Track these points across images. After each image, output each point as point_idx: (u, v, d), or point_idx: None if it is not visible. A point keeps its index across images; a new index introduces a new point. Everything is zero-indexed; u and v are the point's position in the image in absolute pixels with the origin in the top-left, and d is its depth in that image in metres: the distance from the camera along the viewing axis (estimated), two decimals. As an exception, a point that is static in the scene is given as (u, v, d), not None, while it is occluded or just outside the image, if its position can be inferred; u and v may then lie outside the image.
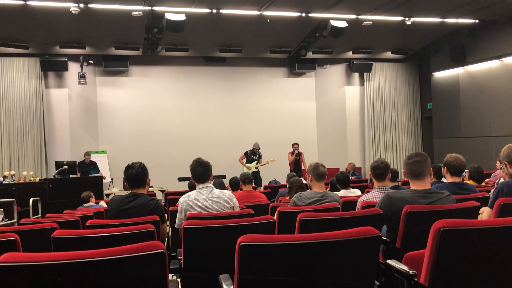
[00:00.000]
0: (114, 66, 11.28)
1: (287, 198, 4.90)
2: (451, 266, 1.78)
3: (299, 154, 10.44)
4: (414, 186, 2.74)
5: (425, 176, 2.72)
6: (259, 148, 10.53)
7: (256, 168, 10.39)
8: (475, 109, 11.00)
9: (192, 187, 5.51)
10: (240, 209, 3.43)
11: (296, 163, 10.34)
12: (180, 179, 9.56)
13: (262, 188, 8.98)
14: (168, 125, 11.98)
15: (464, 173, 4.99)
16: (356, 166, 11.72)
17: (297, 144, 10.45)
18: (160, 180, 10.23)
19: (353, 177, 10.22)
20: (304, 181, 5.60)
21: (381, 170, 3.42)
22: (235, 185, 5.55)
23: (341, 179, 5.30)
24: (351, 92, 12.94)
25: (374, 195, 3.41)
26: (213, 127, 12.26)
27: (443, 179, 4.99)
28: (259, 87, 12.74)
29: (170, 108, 12.02)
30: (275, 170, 11.07)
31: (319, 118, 13.17)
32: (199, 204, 3.24)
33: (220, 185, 5.48)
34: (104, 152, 11.39)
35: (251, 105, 12.60)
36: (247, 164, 10.35)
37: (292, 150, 10.48)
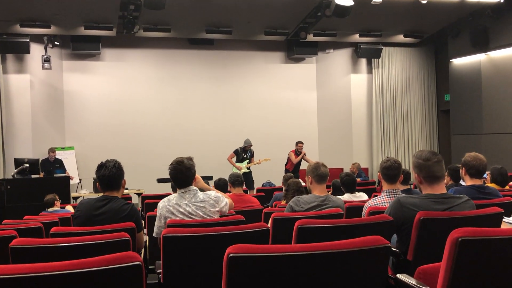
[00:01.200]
0: (83, 48, 11.28)
1: (283, 202, 4.97)
2: (471, 282, 1.80)
3: (299, 153, 10.61)
4: (429, 190, 2.77)
5: (443, 179, 2.78)
6: (251, 146, 10.57)
7: (248, 168, 10.45)
8: (499, 101, 11.06)
9: (174, 189, 5.58)
10: (229, 214, 3.48)
11: (298, 164, 10.47)
12: (160, 181, 9.61)
13: (254, 192, 9.05)
14: (146, 118, 12.01)
15: (485, 175, 5.12)
16: (362, 167, 11.77)
17: (302, 143, 10.53)
18: (136, 181, 10.26)
19: (358, 179, 10.24)
20: (303, 184, 5.62)
21: (394, 171, 3.45)
22: (222, 187, 5.58)
23: (346, 182, 5.35)
24: (358, 81, 13.00)
25: (383, 200, 3.46)
26: (198, 120, 12.31)
27: (461, 182, 5.01)
28: (252, 74, 12.80)
29: (149, 99, 12.05)
30: (269, 171, 11.15)
31: (320, 111, 13.26)
32: (181, 209, 3.26)
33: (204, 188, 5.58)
34: (72, 149, 11.41)
35: (242, 95, 12.67)
36: (237, 164, 10.39)
37: (295, 149, 10.59)
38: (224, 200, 3.41)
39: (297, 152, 10.46)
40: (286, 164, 10.57)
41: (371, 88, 13.00)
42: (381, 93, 12.97)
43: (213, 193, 3.40)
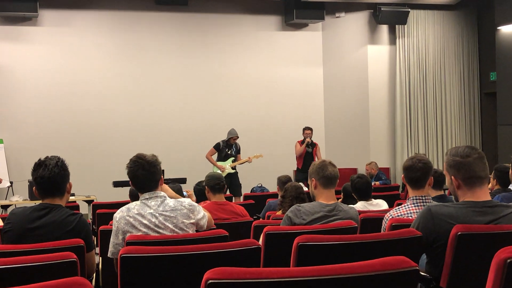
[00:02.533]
0: (15, 9, 11.15)
1: (279, 213, 5.01)
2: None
3: (313, 144, 10.77)
4: (469, 196, 2.81)
5: (487, 181, 2.83)
6: (237, 138, 10.64)
7: (233, 168, 10.55)
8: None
9: (135, 196, 5.47)
10: (209, 228, 3.53)
11: (307, 157, 10.64)
12: (117, 184, 9.69)
13: (241, 199, 9.11)
14: (99, 102, 12.00)
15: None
16: (382, 167, 11.92)
17: (310, 130, 10.78)
18: (86, 185, 10.30)
19: (377, 183, 10.42)
20: (305, 188, 5.76)
21: (419, 173, 3.51)
22: (202, 193, 5.66)
23: (358, 185, 5.45)
24: (377, 55, 13.07)
25: (409, 210, 3.53)
26: (167, 105, 12.34)
27: (511, 187, 5.13)
28: (238, 45, 12.85)
29: (103, 76, 12.03)
30: (261, 171, 11.23)
31: (328, 94, 13.31)
32: (145, 221, 3.32)
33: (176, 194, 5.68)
34: (0, 142, 11.35)
35: (226, 72, 12.68)
36: (219, 163, 10.50)
37: (302, 138, 10.79)
38: (202, 211, 3.49)
39: (303, 141, 10.72)
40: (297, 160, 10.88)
41: (394, 63, 13.06)
42: (407, 70, 13.01)
43: (188, 200, 3.49)
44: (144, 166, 3.38)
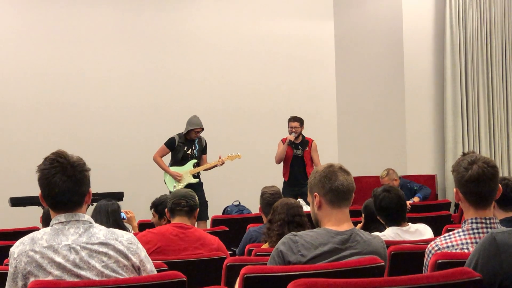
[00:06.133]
0: None
1: (265, 245, 5.13)
2: None
3: (305, 143, 10.60)
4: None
5: None
6: (202, 130, 10.31)
7: (195, 176, 10.30)
8: None
9: (48, 219, 5.13)
10: (159, 268, 3.65)
11: (295, 163, 10.50)
12: (16, 202, 9.49)
13: (207, 224, 9.22)
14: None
15: None
16: (425, 173, 11.91)
17: (298, 121, 10.57)
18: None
19: (415, 199, 10.13)
20: (305, 208, 5.89)
21: (483, 184, 3.48)
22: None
23: (387, 204, 5.48)
24: (416, 8, 12.68)
25: (464, 239, 3.54)
26: (95, 80, 11.99)
27: None
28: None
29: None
30: (239, 182, 11.25)
31: (341, 61, 13.02)
32: (59, 259, 3.23)
33: (110, 216, 6.01)
34: None
35: (184, 30, 12.45)
36: (174, 168, 10.18)
37: (287, 135, 10.65)
38: (145, 252, 3.50)
39: (290, 141, 10.53)
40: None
41: (442, 18, 12.60)
42: (463, 26, 12.50)
43: (127, 234, 3.46)
44: (66, 170, 3.29)
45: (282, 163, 10.69)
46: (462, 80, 12.55)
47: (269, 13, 12.67)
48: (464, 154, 3.63)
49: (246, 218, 8.14)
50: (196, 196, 5.66)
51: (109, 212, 6.11)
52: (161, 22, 12.23)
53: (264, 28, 12.60)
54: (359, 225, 5.70)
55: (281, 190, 10.03)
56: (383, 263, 3.55)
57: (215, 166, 10.27)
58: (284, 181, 10.55)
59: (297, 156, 10.44)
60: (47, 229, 3.39)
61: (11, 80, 11.63)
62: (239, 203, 9.94)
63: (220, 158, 10.28)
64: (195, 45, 12.42)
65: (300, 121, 10.50)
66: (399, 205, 5.40)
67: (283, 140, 10.61)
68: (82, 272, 3.24)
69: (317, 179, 3.75)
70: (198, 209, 5.76)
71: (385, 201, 5.39)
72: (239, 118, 12.20)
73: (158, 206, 6.33)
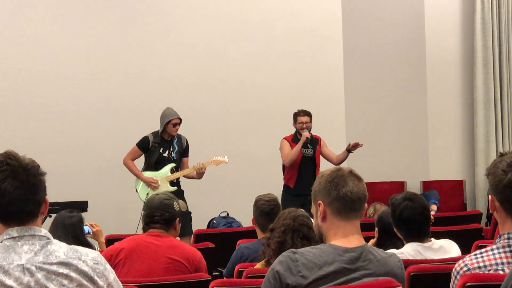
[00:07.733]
0: None
1: (259, 265, 5.21)
2: None
3: (315, 142, 10.37)
4: None
5: None
6: (180, 122, 10.04)
7: (173, 183, 10.08)
8: None
9: None
10: None
11: (305, 166, 10.28)
12: None
13: (190, 240, 9.06)
14: None
15: None
16: (450, 178, 12.28)
17: (308, 115, 10.36)
18: None
19: (434, 207, 10.40)
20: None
21: None
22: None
23: (408, 216, 5.37)
24: None
25: (498, 258, 3.51)
26: (56, 78, 11.77)
27: None
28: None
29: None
30: (227, 190, 11.51)
31: (350, 45, 12.78)
32: (10, 282, 3.09)
33: (69, 230, 6.00)
34: None
35: (164, 12, 12.24)
36: (148, 173, 9.98)
37: (294, 131, 10.51)
38: (114, 275, 3.38)
39: (296, 137, 10.26)
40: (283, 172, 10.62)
41: (471, 2, 12.64)
42: (496, 2, 12.46)
43: (93, 252, 3.36)
44: (18, 174, 3.19)
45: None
46: (495, 66, 12.44)
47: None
48: (501, 155, 3.53)
49: (235, 233, 8.07)
50: (175, 203, 5.59)
51: (67, 225, 6.01)
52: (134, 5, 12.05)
53: (247, 9, 12.29)
54: (372, 241, 5.54)
55: (280, 200, 9.39)
56: (400, 286, 3.52)
57: (198, 171, 9.75)
58: (287, 189, 10.26)
59: (306, 157, 10.18)
60: None
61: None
62: (227, 214, 9.78)
63: (201, 163, 9.78)
64: (172, 25, 12.12)
65: (310, 115, 10.26)
66: (424, 217, 5.28)
67: (287, 138, 10.30)
68: (36, 296, 3.28)
69: (322, 184, 3.67)
70: (177, 218, 5.66)
71: (407, 212, 5.24)
72: (227, 113, 11.94)
73: None
